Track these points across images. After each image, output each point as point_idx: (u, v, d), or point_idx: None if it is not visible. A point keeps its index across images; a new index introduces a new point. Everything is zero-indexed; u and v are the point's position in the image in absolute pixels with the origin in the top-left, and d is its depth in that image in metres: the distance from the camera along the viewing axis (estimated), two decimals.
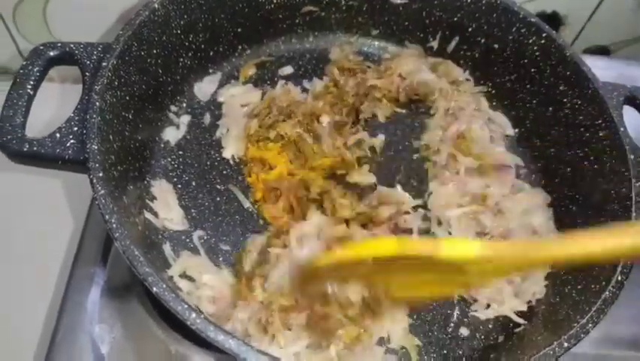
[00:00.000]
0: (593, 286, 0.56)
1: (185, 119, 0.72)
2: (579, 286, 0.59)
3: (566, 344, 0.50)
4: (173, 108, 0.71)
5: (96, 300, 0.63)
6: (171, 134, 0.70)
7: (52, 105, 0.77)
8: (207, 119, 0.72)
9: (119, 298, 0.63)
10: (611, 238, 0.41)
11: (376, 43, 0.81)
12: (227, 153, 0.70)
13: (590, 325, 0.52)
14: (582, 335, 0.51)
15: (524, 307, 0.62)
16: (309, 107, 0.72)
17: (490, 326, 0.63)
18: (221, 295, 0.58)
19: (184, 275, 0.60)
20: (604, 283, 0.55)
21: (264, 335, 0.55)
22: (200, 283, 0.59)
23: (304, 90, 0.76)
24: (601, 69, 0.68)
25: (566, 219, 0.68)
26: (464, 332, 0.62)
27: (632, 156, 0.61)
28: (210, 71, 0.75)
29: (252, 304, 0.57)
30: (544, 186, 0.72)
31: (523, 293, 0.63)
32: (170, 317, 0.50)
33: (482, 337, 0.62)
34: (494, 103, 0.77)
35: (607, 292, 0.53)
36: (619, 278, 0.54)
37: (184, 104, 0.72)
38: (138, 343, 0.61)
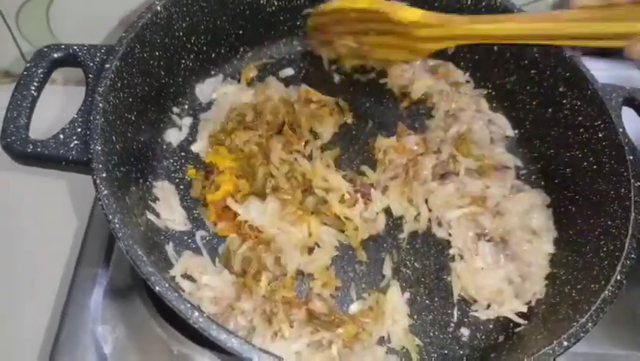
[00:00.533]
0: (592, 285, 0.57)
1: (187, 120, 0.72)
2: (579, 286, 0.60)
3: (565, 343, 0.51)
4: (176, 110, 0.72)
5: (99, 300, 0.63)
6: (173, 136, 0.71)
7: (56, 107, 0.77)
8: None
9: (122, 298, 0.64)
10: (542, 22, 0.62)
11: None
12: (195, 147, 0.70)
13: (590, 324, 0.52)
14: (582, 334, 0.52)
15: (524, 309, 0.63)
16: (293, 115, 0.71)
17: (490, 326, 0.63)
18: (222, 296, 0.59)
19: (186, 276, 0.60)
20: (603, 282, 0.55)
21: (269, 327, 0.56)
22: (201, 283, 0.59)
23: None
24: (600, 70, 0.69)
25: (565, 219, 0.68)
26: (465, 332, 0.63)
27: (631, 157, 0.61)
28: (212, 72, 0.76)
29: (254, 298, 0.58)
30: (544, 186, 0.72)
31: (524, 294, 0.64)
32: (172, 317, 0.50)
33: (482, 337, 0.63)
34: (494, 104, 0.77)
35: (606, 292, 0.54)
36: (618, 278, 0.55)
37: (186, 106, 0.73)
38: (141, 343, 0.61)
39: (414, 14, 0.66)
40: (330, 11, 0.71)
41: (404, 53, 0.72)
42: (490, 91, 0.78)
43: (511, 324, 0.63)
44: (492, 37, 0.66)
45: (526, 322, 0.62)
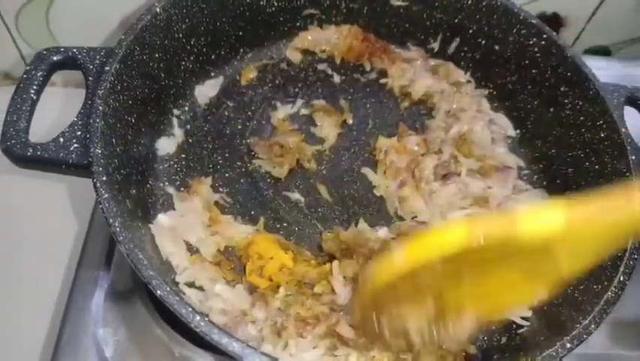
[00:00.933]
0: (595, 286, 0.56)
1: (188, 122, 0.72)
2: (581, 287, 0.59)
3: (568, 345, 0.50)
4: (176, 112, 0.71)
5: (100, 303, 0.63)
6: (174, 138, 0.70)
7: (56, 110, 0.77)
8: (209, 122, 0.72)
9: (123, 301, 0.63)
10: None
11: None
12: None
13: (593, 325, 0.52)
14: (585, 336, 0.51)
15: (527, 310, 0.62)
16: None
17: (493, 328, 0.63)
18: (232, 308, 0.57)
19: (192, 285, 0.59)
20: (606, 283, 0.55)
21: (278, 340, 0.55)
22: (212, 293, 0.58)
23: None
24: (601, 70, 0.69)
25: None
26: None
27: (634, 157, 0.60)
28: (212, 74, 0.75)
29: (269, 308, 0.57)
30: (546, 186, 0.72)
31: None
32: (173, 319, 0.50)
33: (485, 338, 0.62)
34: (495, 104, 0.77)
35: (609, 293, 0.53)
36: (621, 279, 0.54)
37: (186, 108, 0.73)
38: (142, 346, 0.61)
39: (554, 217, 0.35)
40: (400, 276, 0.41)
41: (530, 285, 0.43)
42: (491, 91, 0.78)
43: (514, 326, 0.62)
44: None
45: (528, 323, 0.62)
